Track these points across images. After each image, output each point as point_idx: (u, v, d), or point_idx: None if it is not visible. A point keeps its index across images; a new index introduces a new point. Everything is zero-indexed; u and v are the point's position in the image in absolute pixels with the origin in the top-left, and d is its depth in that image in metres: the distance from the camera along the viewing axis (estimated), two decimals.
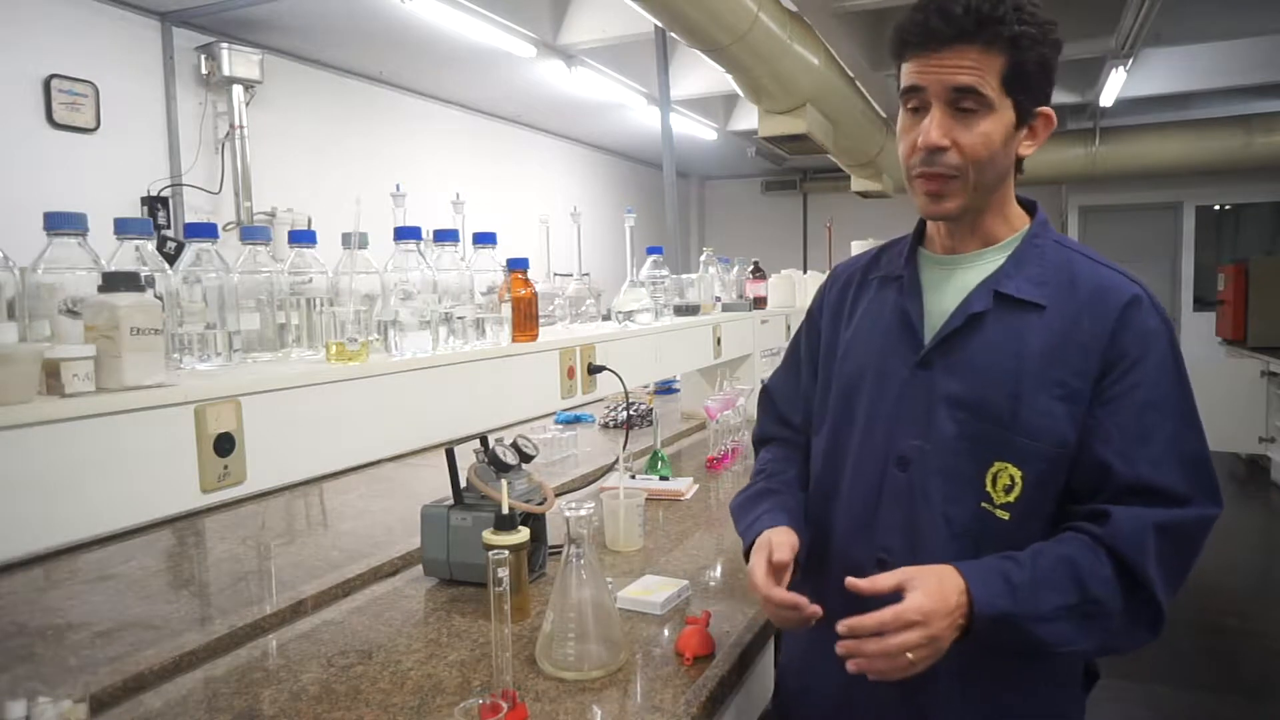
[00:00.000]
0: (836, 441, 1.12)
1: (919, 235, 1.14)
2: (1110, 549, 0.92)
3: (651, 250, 2.21)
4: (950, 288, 1.06)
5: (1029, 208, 1.09)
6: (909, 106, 1.00)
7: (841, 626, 0.89)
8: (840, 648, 0.90)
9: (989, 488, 0.98)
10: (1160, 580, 0.92)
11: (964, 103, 0.95)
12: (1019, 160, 1.03)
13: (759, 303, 2.93)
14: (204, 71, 3.82)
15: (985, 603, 0.90)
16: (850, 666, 0.89)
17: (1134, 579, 0.92)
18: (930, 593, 0.89)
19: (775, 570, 1.01)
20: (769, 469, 1.23)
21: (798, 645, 1.20)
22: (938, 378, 1.02)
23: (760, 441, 1.32)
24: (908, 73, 0.99)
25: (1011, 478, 0.97)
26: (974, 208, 1.02)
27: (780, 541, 1.03)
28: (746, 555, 1.11)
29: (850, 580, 0.92)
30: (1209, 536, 0.95)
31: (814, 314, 1.24)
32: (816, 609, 0.97)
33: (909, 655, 0.88)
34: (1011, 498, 0.98)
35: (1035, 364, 0.97)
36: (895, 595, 0.90)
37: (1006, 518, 0.98)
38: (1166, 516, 0.92)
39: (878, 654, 0.88)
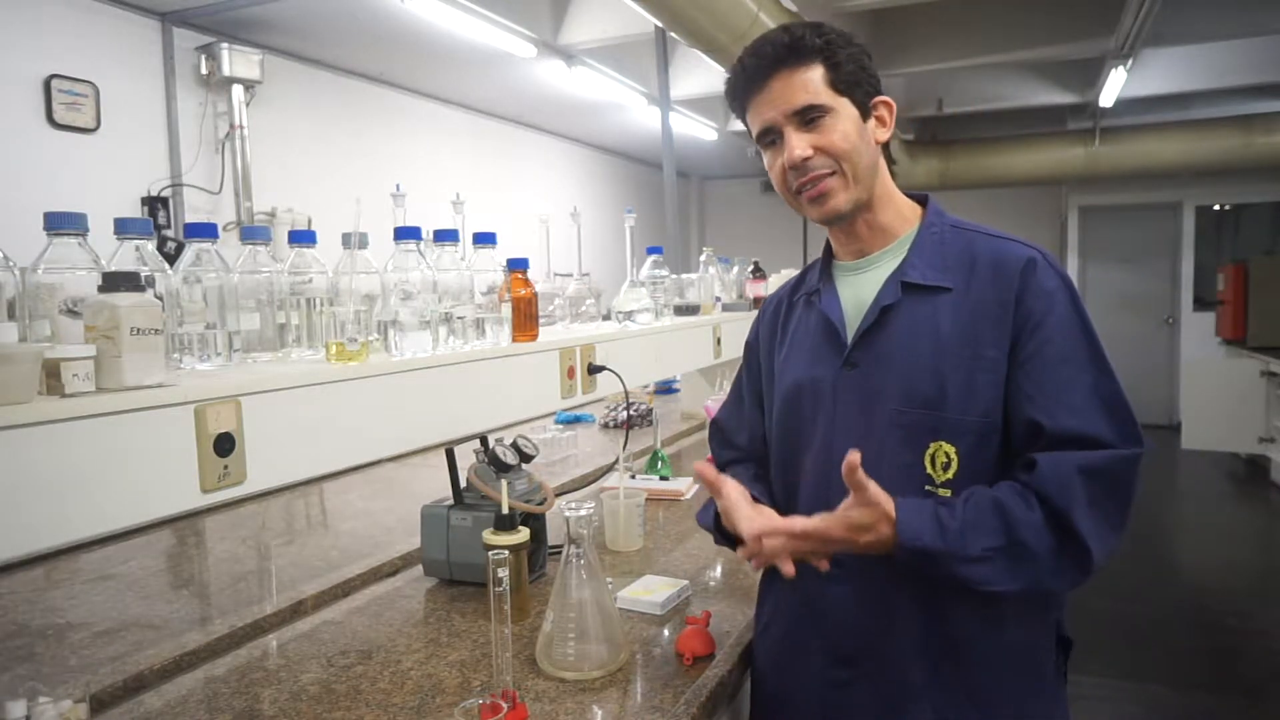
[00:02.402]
0: (786, 456, 1.17)
1: (829, 250, 1.20)
2: (1039, 496, 0.96)
3: (651, 250, 2.21)
4: (863, 289, 1.12)
5: (922, 201, 1.16)
6: (766, 143, 1.11)
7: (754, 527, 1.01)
8: (747, 548, 1.02)
9: (929, 469, 1.03)
10: (1091, 523, 0.95)
11: (808, 116, 1.05)
12: (886, 149, 1.12)
13: (759, 303, 2.93)
14: (204, 71, 3.81)
15: (911, 536, 0.95)
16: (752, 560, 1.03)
17: (1062, 523, 0.95)
18: (847, 524, 0.97)
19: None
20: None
21: (770, 654, 1.22)
22: (865, 375, 1.07)
23: (720, 470, 1.35)
24: (753, 119, 1.10)
25: (947, 455, 1.02)
26: (860, 202, 1.09)
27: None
28: (715, 527, 1.18)
29: (852, 458, 0.96)
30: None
31: (751, 345, 1.32)
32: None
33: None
34: (950, 474, 1.02)
35: (953, 343, 1.02)
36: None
37: (949, 494, 1.02)
38: (1090, 459, 0.96)
39: (768, 552, 1.00)
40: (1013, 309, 1.01)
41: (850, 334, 1.10)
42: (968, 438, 1.01)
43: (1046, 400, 0.99)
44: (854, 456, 0.94)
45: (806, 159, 1.05)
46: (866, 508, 0.96)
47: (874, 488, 0.96)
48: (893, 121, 1.11)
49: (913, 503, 0.98)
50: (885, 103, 1.10)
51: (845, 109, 1.06)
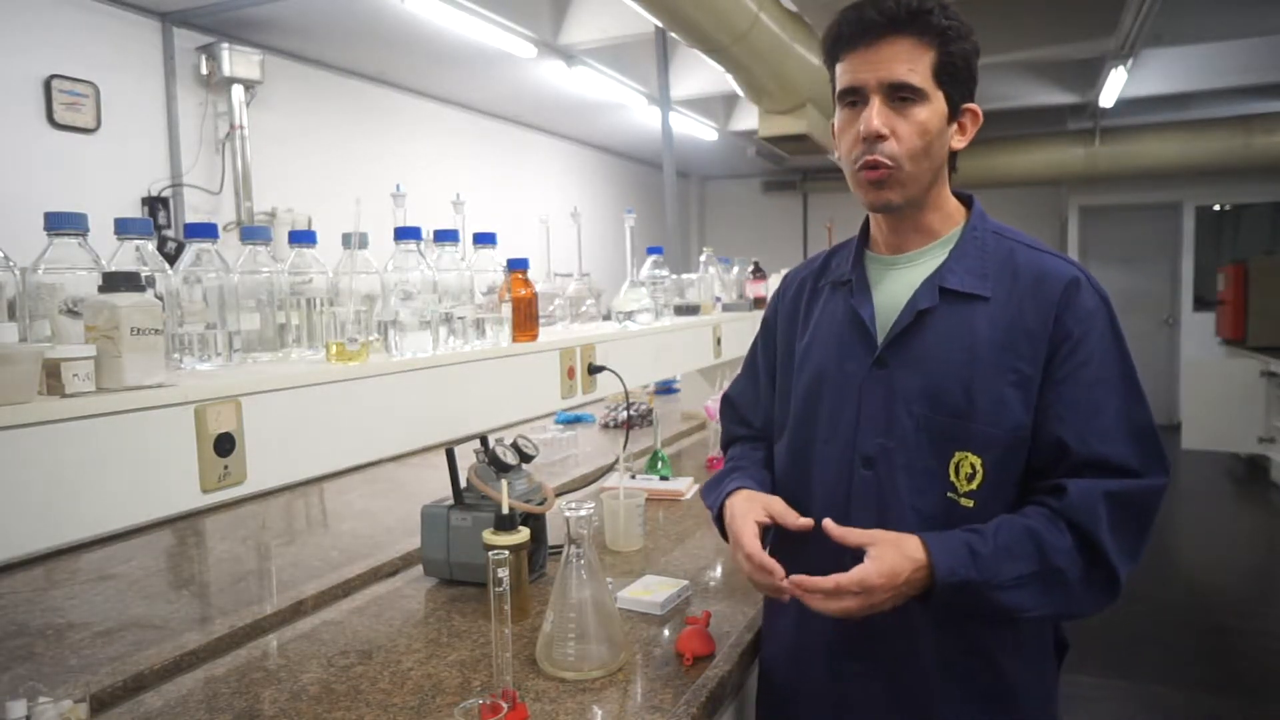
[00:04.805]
0: (801, 446, 1.16)
1: (864, 238, 1.17)
2: (1068, 521, 0.96)
3: (651, 250, 2.21)
4: (898, 287, 1.10)
5: (966, 201, 1.13)
6: (846, 103, 1.05)
7: (790, 582, 0.98)
8: (790, 590, 0.98)
9: (952, 477, 1.02)
10: (1114, 545, 0.95)
11: (900, 94, 1.00)
12: (953, 157, 1.08)
13: (759, 303, 2.93)
14: (204, 72, 3.81)
15: (947, 571, 0.94)
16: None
17: (1091, 547, 0.95)
18: (881, 568, 0.94)
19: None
20: (735, 456, 1.29)
21: (781, 646, 1.22)
22: (895, 376, 1.06)
23: (727, 445, 1.36)
24: (844, 72, 1.04)
25: (973, 466, 1.01)
26: (913, 200, 1.05)
27: (754, 502, 1.10)
28: (718, 521, 1.16)
29: (827, 522, 0.98)
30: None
31: (769, 322, 1.29)
32: (786, 585, 1.00)
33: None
34: (974, 485, 1.01)
35: (986, 354, 1.01)
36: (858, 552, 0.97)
37: (971, 505, 1.01)
38: (1117, 486, 0.96)
39: (819, 609, 0.97)
40: (1051, 326, 1.00)
41: (881, 330, 1.08)
42: (995, 450, 1.00)
43: (1077, 422, 0.98)
44: (825, 523, 0.97)
45: (881, 136, 1.00)
46: (879, 545, 0.95)
47: (870, 533, 0.96)
48: (973, 133, 1.08)
49: (941, 538, 0.96)
50: (972, 111, 1.07)
51: (937, 103, 1.01)
